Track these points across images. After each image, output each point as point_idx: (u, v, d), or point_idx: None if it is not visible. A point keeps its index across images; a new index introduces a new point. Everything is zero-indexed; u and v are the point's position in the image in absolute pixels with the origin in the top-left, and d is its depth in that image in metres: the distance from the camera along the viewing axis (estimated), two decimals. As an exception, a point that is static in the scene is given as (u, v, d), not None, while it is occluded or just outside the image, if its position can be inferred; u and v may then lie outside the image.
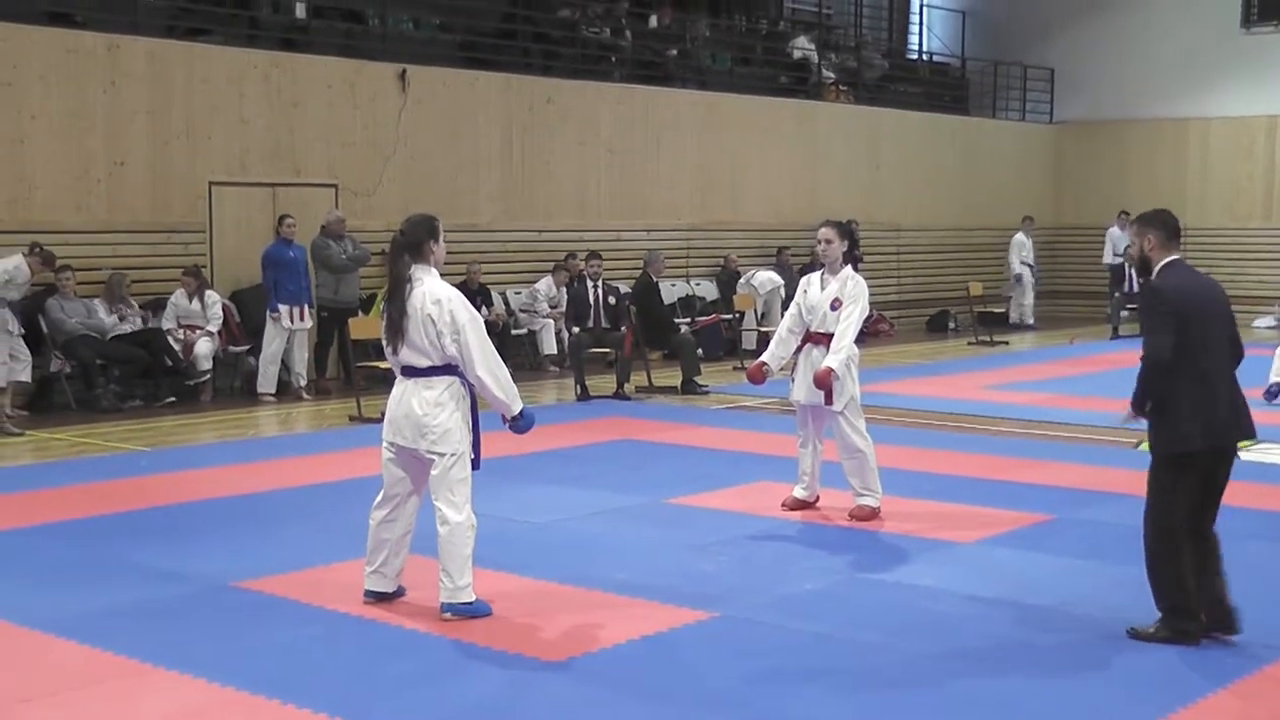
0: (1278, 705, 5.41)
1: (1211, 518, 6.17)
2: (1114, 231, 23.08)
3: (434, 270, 6.37)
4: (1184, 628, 5.95)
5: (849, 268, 8.40)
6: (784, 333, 8.53)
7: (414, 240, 6.34)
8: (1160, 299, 5.94)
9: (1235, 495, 9.17)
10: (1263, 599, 6.80)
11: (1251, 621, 6.35)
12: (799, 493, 8.58)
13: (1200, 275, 6.23)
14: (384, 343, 6.49)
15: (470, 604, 6.29)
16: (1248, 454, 10.88)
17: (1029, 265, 23.24)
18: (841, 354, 8.14)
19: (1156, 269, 6.10)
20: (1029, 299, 23.32)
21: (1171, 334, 5.84)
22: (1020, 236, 23.11)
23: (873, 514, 8.29)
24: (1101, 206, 24.63)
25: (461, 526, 6.24)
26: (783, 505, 8.60)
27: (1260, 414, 13.04)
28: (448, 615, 6.28)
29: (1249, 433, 6.19)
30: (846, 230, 8.51)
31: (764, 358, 8.60)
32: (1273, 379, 13.77)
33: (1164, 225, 6.17)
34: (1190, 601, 5.96)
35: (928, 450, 10.81)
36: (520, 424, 6.42)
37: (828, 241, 8.31)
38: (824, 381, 8.09)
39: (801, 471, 8.57)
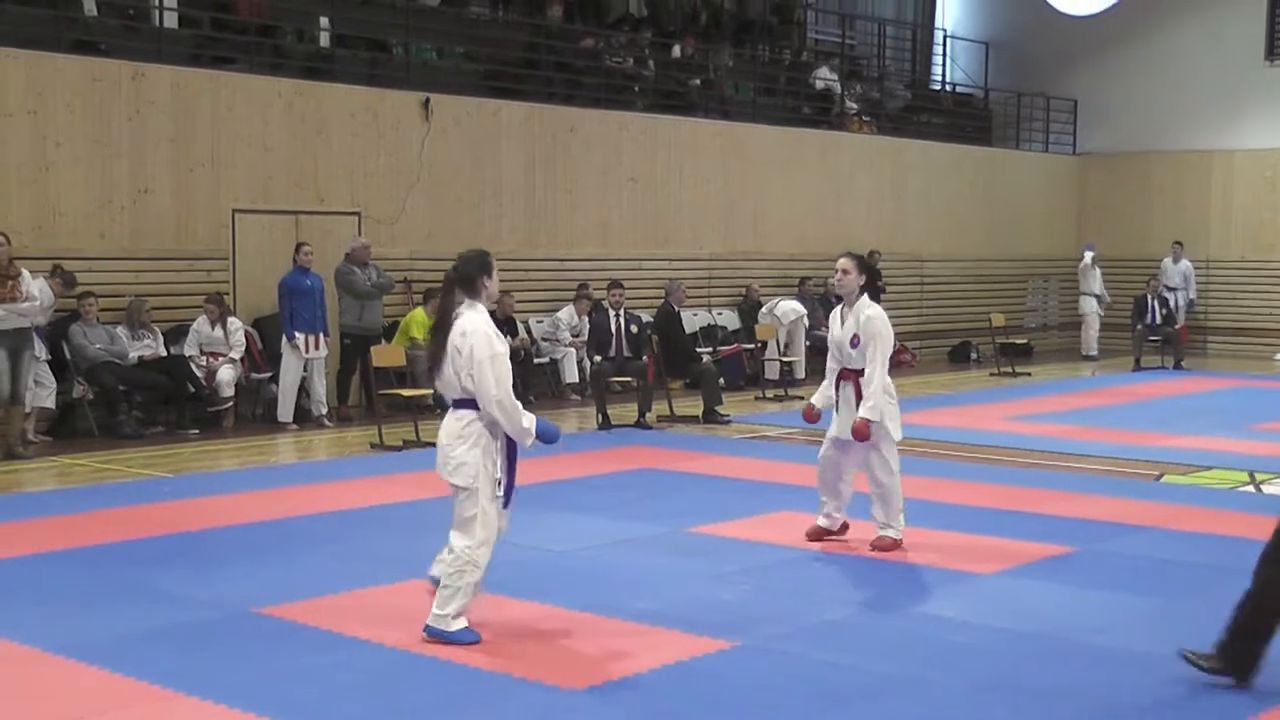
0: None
1: None
2: (1166, 263, 23.00)
3: (481, 306, 6.41)
4: (1241, 677, 5.92)
5: (865, 298, 8.29)
6: (828, 370, 8.51)
7: (466, 275, 6.40)
8: None
9: (1255, 528, 9.15)
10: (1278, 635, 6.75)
11: (1271, 655, 6.30)
12: (822, 521, 8.56)
13: None
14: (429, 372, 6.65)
15: (449, 632, 6.31)
16: (1270, 486, 10.85)
17: (1095, 295, 23.14)
18: (870, 401, 8.08)
19: None
20: (1094, 329, 23.28)
21: None
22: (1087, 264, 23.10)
23: (894, 545, 8.26)
24: (1125, 238, 24.58)
25: (459, 559, 6.28)
26: (806, 535, 8.57)
27: (1262, 445, 13.02)
28: (424, 636, 6.35)
29: None
30: (865, 262, 8.44)
31: (814, 400, 8.55)
32: None
33: None
34: (1258, 665, 5.92)
35: (950, 481, 10.77)
36: (544, 443, 6.42)
37: (844, 272, 8.25)
38: (861, 434, 8.10)
39: (824, 500, 8.54)
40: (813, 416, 8.52)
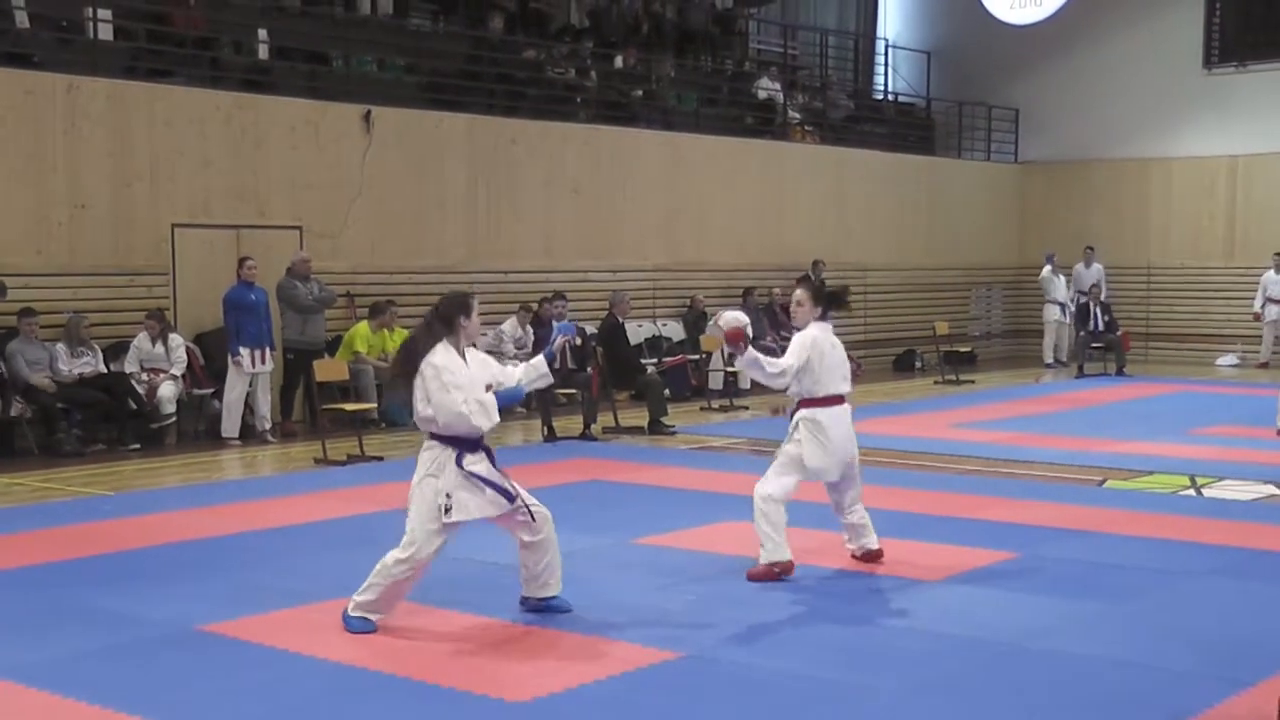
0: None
1: None
2: (1078, 269, 23.28)
3: (450, 346, 6.76)
4: None
5: (812, 326, 7.94)
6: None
7: (446, 315, 6.78)
8: None
9: (1196, 531, 9.27)
10: (1222, 634, 6.83)
11: (1211, 656, 6.38)
12: (869, 544, 8.27)
13: None
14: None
15: (349, 616, 6.84)
16: (1210, 490, 10.97)
17: (1060, 303, 23.31)
18: (759, 359, 7.69)
19: None
20: (1058, 336, 23.48)
21: None
22: (1046, 271, 23.30)
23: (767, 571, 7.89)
24: (1066, 246, 24.79)
25: (389, 555, 6.83)
26: (853, 556, 8.28)
27: (1202, 449, 13.19)
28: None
29: None
30: (819, 291, 8.10)
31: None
32: (1279, 424, 13.88)
33: None
34: None
35: (894, 489, 10.81)
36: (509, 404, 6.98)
37: (798, 304, 8.02)
38: (731, 333, 7.66)
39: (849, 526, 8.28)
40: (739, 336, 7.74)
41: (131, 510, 10.17)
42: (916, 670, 6.25)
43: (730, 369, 17.85)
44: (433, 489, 6.68)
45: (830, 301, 8.07)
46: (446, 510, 6.67)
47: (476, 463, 6.73)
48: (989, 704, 5.78)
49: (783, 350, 8.41)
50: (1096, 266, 23.28)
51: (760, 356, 7.79)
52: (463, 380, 6.64)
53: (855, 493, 8.16)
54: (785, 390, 8.00)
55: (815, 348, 7.85)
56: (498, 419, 6.76)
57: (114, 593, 7.62)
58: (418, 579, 6.86)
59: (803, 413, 7.88)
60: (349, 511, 10.08)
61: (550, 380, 7.38)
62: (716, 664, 6.30)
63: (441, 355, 6.69)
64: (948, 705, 5.77)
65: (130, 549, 8.84)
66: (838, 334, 8.21)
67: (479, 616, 7.10)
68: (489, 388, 6.79)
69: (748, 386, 18.09)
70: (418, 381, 6.70)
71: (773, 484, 7.87)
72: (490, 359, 7.14)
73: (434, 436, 6.75)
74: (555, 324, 14.37)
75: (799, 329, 8.03)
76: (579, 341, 11.50)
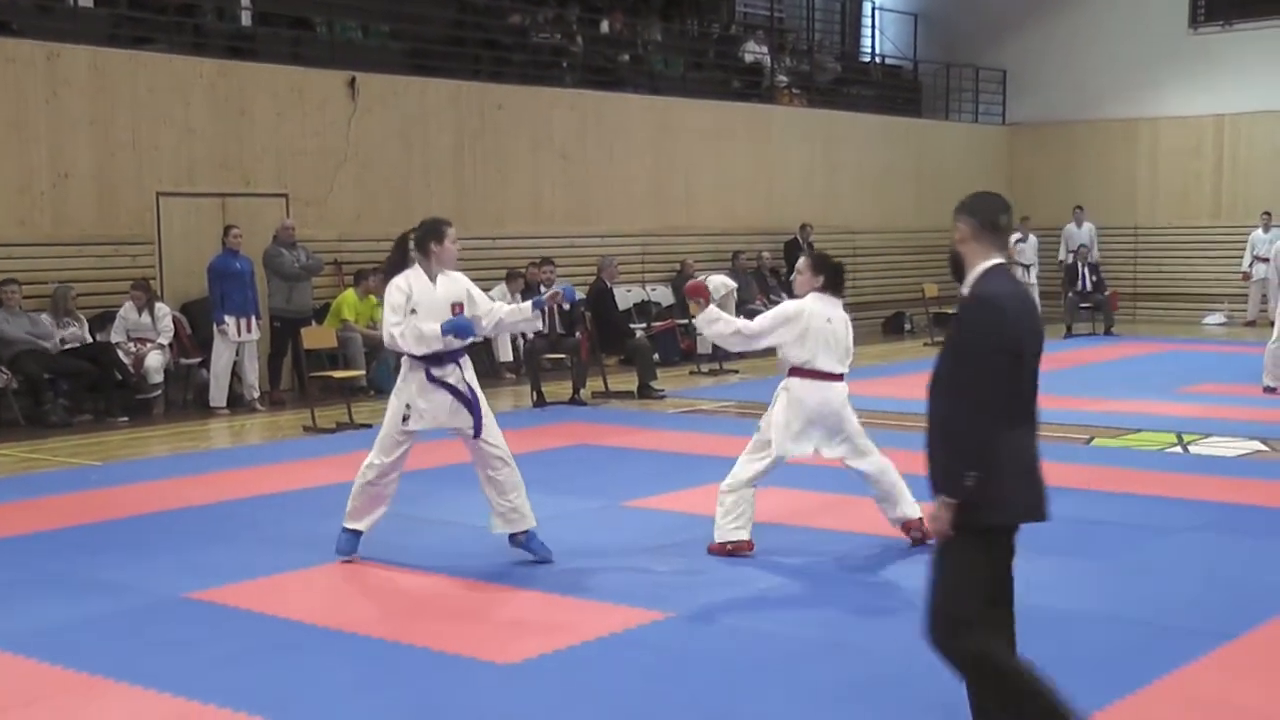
0: (1223, 690, 5.43)
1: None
2: (1069, 229, 23.28)
3: (419, 268, 7.34)
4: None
5: (809, 297, 7.71)
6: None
7: (419, 240, 7.39)
8: (995, 316, 4.37)
9: (1183, 487, 9.30)
10: (1209, 588, 6.87)
11: (1200, 610, 6.41)
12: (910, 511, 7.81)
13: (1021, 285, 4.65)
14: None
15: (339, 537, 7.46)
16: (1197, 447, 11.01)
17: (1026, 265, 23.37)
18: (718, 316, 7.52)
19: (976, 274, 4.53)
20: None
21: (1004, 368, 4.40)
22: (1014, 238, 23.40)
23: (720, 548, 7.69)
24: (1054, 206, 24.79)
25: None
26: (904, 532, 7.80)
27: (1189, 407, 13.21)
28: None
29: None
30: (823, 263, 7.83)
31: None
32: (1267, 381, 13.93)
33: (976, 211, 4.67)
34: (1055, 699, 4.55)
35: (883, 450, 10.78)
36: (459, 337, 7.26)
37: (798, 272, 7.85)
38: (691, 287, 7.64)
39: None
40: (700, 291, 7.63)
41: (119, 480, 10.15)
42: (901, 626, 6.25)
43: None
44: (398, 399, 7.30)
45: (832, 274, 7.74)
46: (405, 419, 7.24)
47: (448, 375, 7.25)
48: (977, 660, 5.79)
49: None
50: (1088, 226, 23.30)
51: (720, 313, 7.56)
52: (398, 302, 7.21)
53: (872, 466, 7.71)
54: (742, 351, 7.74)
55: (801, 319, 7.55)
56: (434, 347, 7.17)
57: (102, 562, 7.62)
58: (390, 491, 7.46)
59: (785, 381, 7.66)
60: (338, 479, 10.01)
61: (536, 326, 7.64)
62: (705, 624, 6.31)
63: (402, 277, 7.27)
64: (931, 662, 5.76)
65: (118, 518, 8.83)
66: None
67: (469, 580, 7.11)
68: (455, 307, 7.24)
69: (736, 350, 18.06)
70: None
71: (740, 470, 7.61)
72: (474, 288, 7.45)
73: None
74: (542, 288, 14.36)
75: (799, 298, 7.74)
76: (567, 306, 11.46)
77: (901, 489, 7.66)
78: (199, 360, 14.19)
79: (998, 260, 4.51)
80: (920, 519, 7.55)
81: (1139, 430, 11.88)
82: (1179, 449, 11.02)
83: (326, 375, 13.50)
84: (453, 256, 7.36)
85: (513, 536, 7.44)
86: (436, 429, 7.37)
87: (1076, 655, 5.82)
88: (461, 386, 7.27)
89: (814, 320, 7.58)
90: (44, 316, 13.11)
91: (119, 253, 13.98)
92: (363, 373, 14.47)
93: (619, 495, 9.24)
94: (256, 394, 13.99)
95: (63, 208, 13.56)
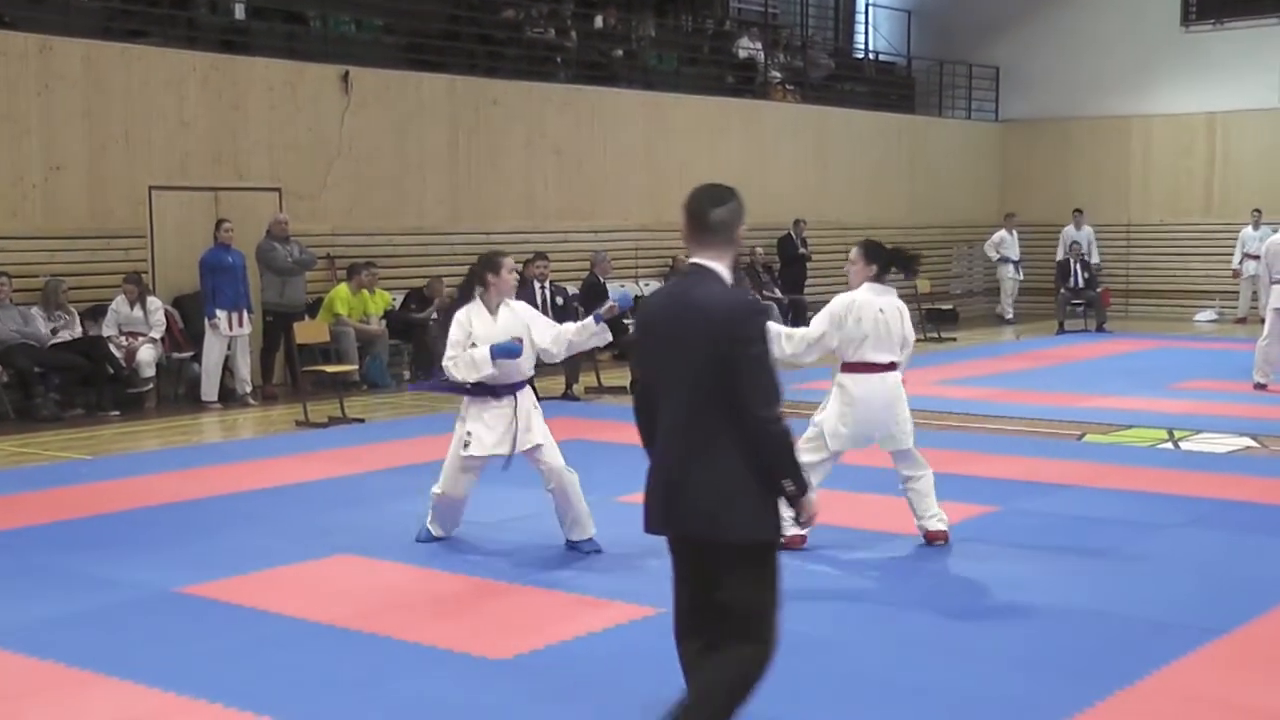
0: (1215, 686, 5.44)
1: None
2: (1068, 231, 23.27)
3: (484, 304, 7.51)
4: None
5: (863, 288, 7.51)
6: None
7: (476, 274, 7.55)
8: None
9: (1173, 484, 9.32)
10: (1199, 584, 6.88)
11: (1191, 606, 6.42)
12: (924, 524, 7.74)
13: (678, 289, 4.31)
14: None
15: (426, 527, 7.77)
16: (1187, 443, 11.03)
17: (1013, 261, 23.50)
18: (779, 333, 7.40)
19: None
20: (1011, 293, 23.74)
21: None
22: (1003, 233, 23.53)
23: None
24: (1046, 204, 24.82)
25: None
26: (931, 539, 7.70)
27: (1180, 404, 13.25)
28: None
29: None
30: (876, 251, 7.63)
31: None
32: (1257, 378, 13.96)
33: (687, 205, 4.31)
34: None
35: (876, 445, 10.82)
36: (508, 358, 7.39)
37: (851, 262, 7.70)
38: None
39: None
40: None
41: (110, 474, 10.13)
42: (894, 621, 6.28)
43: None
44: (460, 426, 7.56)
45: (890, 260, 7.56)
46: (465, 445, 7.48)
47: (504, 405, 7.45)
48: (967, 655, 5.81)
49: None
50: (1087, 229, 23.32)
51: (778, 328, 7.38)
52: (458, 337, 7.38)
53: (907, 469, 7.63)
54: (794, 358, 7.43)
55: (851, 311, 7.38)
56: (484, 371, 7.32)
57: (93, 556, 7.61)
58: (462, 509, 7.73)
59: (837, 377, 7.54)
60: (331, 473, 10.07)
61: (605, 339, 7.67)
62: (697, 619, 6.30)
63: (464, 311, 7.49)
64: (926, 658, 5.79)
65: (109, 512, 8.81)
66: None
67: (462, 576, 7.12)
68: (515, 341, 7.37)
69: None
70: None
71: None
72: (538, 315, 7.70)
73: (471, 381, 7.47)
74: (537, 284, 14.36)
75: (852, 289, 7.57)
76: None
77: (931, 501, 7.61)
78: (191, 354, 14.16)
79: (697, 260, 4.21)
80: (935, 532, 7.56)
81: (1130, 427, 11.90)
82: (1170, 445, 11.04)
83: (319, 370, 13.48)
84: (510, 287, 7.54)
85: (570, 542, 7.65)
86: (497, 454, 7.48)
87: (1068, 652, 5.84)
88: (520, 414, 7.47)
89: (864, 312, 7.40)
90: (35, 310, 13.08)
91: (111, 246, 13.96)
92: (355, 367, 14.46)
93: (612, 490, 9.21)
94: (248, 388, 13.97)
95: (55, 201, 13.53)
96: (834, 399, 7.51)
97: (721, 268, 4.19)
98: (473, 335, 7.39)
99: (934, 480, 7.67)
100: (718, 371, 4.02)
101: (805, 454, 7.33)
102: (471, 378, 7.36)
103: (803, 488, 4.18)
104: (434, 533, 7.80)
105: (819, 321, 7.48)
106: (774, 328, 7.29)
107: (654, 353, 4.27)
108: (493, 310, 7.46)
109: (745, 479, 4.07)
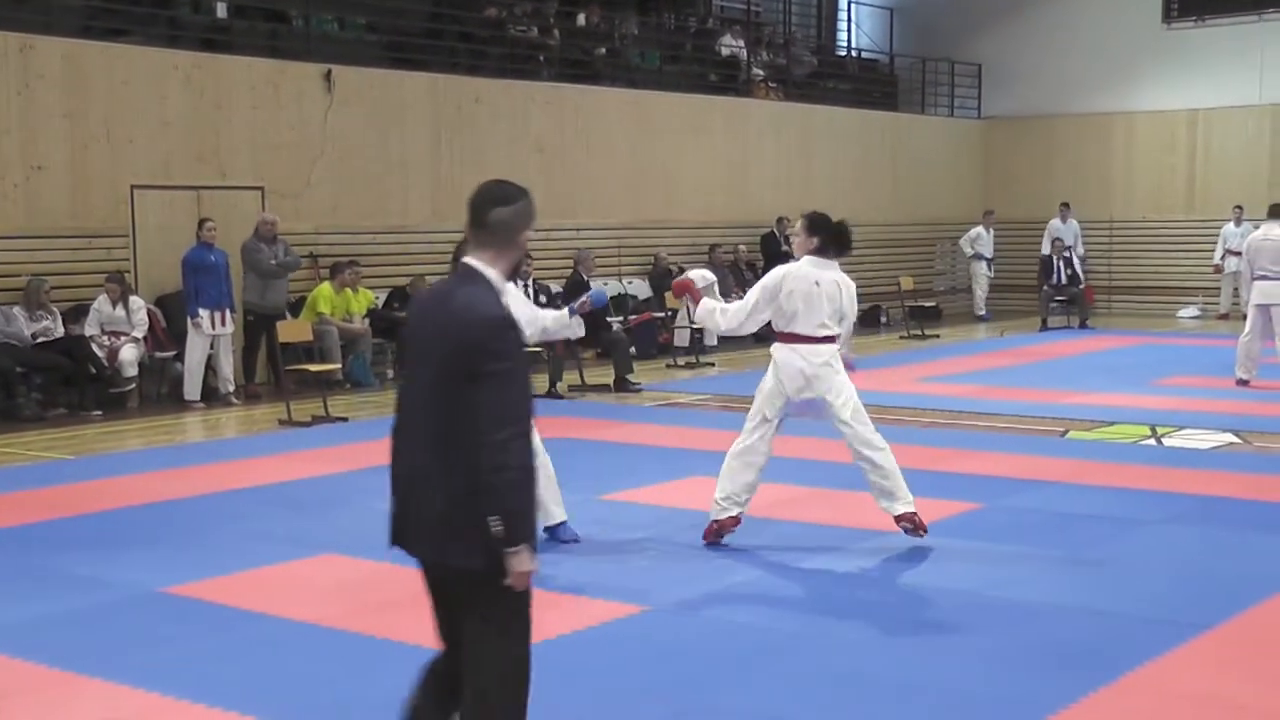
0: (1197, 682, 5.46)
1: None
2: (1054, 224, 23.35)
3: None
4: None
5: (804, 260, 7.53)
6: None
7: (458, 255, 7.65)
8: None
9: (1156, 480, 9.35)
10: (1182, 580, 6.91)
11: (1174, 602, 6.45)
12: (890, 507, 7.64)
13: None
14: None
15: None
16: (1170, 439, 11.06)
17: (987, 258, 23.61)
18: (713, 309, 7.54)
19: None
20: (983, 290, 23.87)
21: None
22: (980, 230, 23.64)
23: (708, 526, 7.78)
24: (1029, 200, 24.88)
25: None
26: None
27: (1163, 400, 13.29)
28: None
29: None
30: (818, 223, 7.62)
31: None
32: (1239, 374, 14.00)
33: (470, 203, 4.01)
34: None
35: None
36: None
37: (795, 234, 7.75)
38: (678, 285, 7.74)
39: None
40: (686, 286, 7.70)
41: (93, 474, 10.10)
42: (878, 620, 6.29)
43: (694, 325, 17.86)
44: None
45: (827, 233, 7.50)
46: None
47: None
48: (951, 652, 5.82)
49: None
50: (1073, 222, 23.41)
51: (714, 304, 7.57)
52: None
53: (859, 445, 7.53)
54: (732, 330, 7.60)
55: (784, 283, 7.37)
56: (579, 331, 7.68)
57: (75, 556, 7.58)
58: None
59: (772, 348, 7.59)
60: (314, 472, 10.05)
61: (578, 333, 7.78)
62: (681, 617, 6.32)
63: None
64: (910, 654, 5.80)
65: (92, 512, 8.78)
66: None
67: (444, 574, 7.10)
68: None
69: (714, 343, 18.11)
70: None
71: (740, 440, 7.62)
72: (518, 296, 7.52)
73: None
74: (517, 281, 14.34)
75: (796, 259, 7.60)
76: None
77: (898, 480, 7.50)
78: (174, 354, 14.11)
79: (468, 260, 3.92)
80: (913, 514, 7.49)
81: (1113, 423, 11.94)
82: (1153, 441, 11.08)
83: (302, 369, 13.46)
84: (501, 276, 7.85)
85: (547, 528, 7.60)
86: None
87: (1050, 648, 5.85)
88: None
89: (797, 284, 7.37)
90: (17, 310, 13.03)
91: (93, 245, 13.91)
92: (339, 366, 14.43)
93: (596, 489, 9.23)
94: (231, 387, 13.94)
95: (36, 200, 13.47)
96: (769, 372, 7.56)
97: (493, 272, 3.88)
98: None
99: (892, 461, 7.52)
100: (460, 383, 3.72)
101: (744, 430, 7.50)
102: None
103: (516, 534, 3.72)
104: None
105: (752, 292, 7.52)
106: (709, 303, 7.53)
107: (411, 354, 4.01)
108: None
109: (473, 502, 3.73)
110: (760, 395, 7.60)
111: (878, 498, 7.60)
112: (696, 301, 7.59)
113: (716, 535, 7.63)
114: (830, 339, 7.52)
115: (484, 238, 3.91)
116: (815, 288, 7.41)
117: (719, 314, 7.55)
